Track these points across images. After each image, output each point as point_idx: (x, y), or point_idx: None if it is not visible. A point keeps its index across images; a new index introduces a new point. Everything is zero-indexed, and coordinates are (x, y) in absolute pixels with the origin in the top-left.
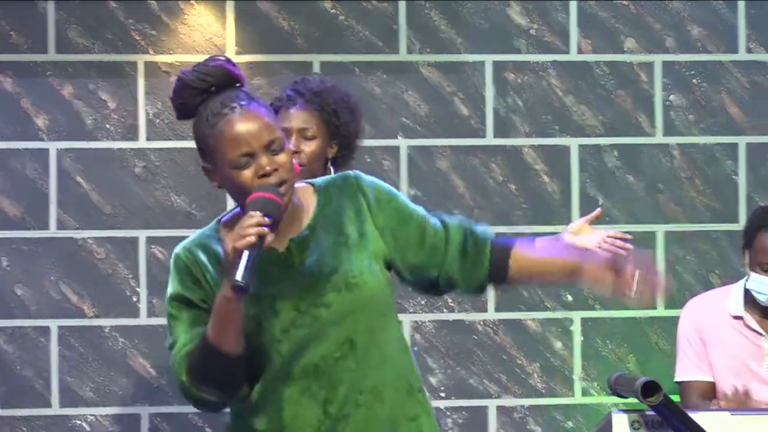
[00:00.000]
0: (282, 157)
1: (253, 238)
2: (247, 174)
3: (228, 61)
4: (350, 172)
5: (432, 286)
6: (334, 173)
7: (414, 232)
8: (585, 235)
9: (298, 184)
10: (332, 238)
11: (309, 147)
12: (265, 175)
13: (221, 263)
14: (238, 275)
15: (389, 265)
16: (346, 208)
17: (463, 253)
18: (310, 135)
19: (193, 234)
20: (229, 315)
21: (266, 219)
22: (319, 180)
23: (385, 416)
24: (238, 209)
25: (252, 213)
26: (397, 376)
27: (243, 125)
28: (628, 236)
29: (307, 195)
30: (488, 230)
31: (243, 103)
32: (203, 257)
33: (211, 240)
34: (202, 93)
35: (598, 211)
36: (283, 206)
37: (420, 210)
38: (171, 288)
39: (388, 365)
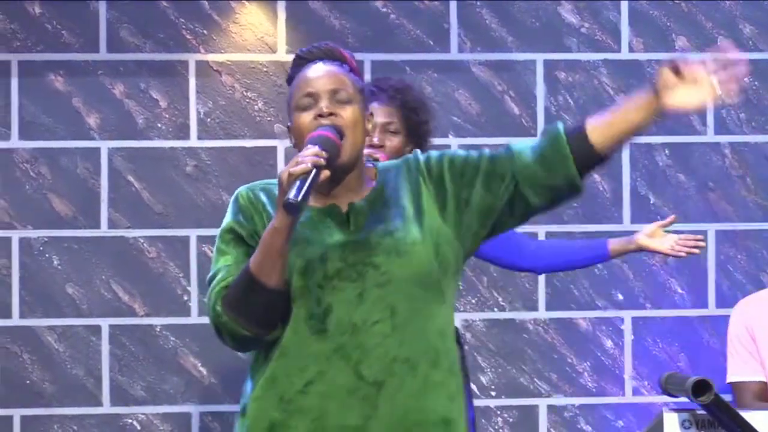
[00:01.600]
0: (346, 109)
1: (308, 165)
2: (307, 116)
3: (345, 50)
4: (410, 155)
5: (520, 206)
6: None
7: (471, 178)
8: (658, 239)
9: (366, 165)
10: (390, 210)
11: (392, 142)
12: (321, 115)
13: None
14: (291, 194)
15: (467, 239)
16: (404, 187)
17: (537, 153)
18: (393, 129)
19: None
20: (275, 246)
21: (323, 153)
22: (382, 164)
23: (416, 389)
24: None
25: (309, 146)
26: (434, 352)
27: (316, 70)
28: (700, 237)
29: (371, 173)
30: (557, 124)
31: (327, 60)
32: (264, 197)
33: (275, 188)
34: (308, 62)
35: (672, 217)
36: (340, 148)
37: (467, 154)
38: (224, 221)
39: (424, 340)
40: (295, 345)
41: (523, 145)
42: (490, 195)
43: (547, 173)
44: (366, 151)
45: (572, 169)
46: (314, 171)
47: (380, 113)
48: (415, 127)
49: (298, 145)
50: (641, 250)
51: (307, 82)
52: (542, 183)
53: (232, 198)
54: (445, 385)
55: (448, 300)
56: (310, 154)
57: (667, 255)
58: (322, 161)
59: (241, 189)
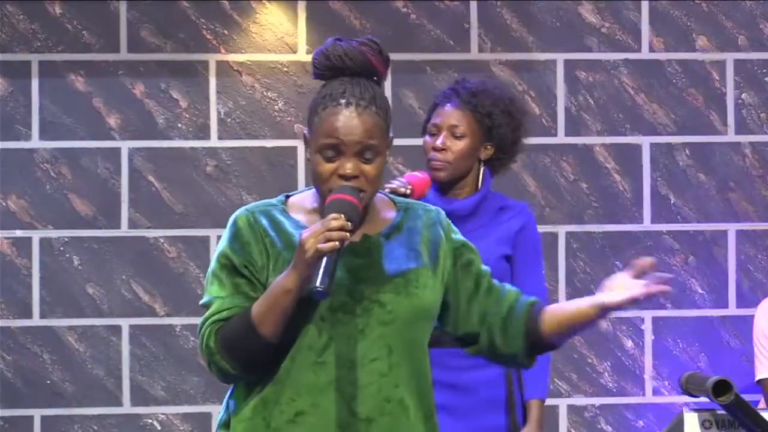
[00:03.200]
0: (370, 168)
1: (336, 244)
2: (328, 167)
3: (374, 48)
4: (432, 207)
5: (471, 341)
6: (487, 176)
7: (471, 281)
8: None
9: (379, 194)
10: (404, 250)
11: (457, 145)
12: (344, 177)
13: (295, 252)
14: (318, 281)
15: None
16: (422, 233)
17: (509, 313)
18: (459, 133)
19: (258, 201)
20: (282, 305)
21: (349, 224)
22: (401, 199)
23: (407, 430)
24: (310, 190)
25: (336, 216)
26: (420, 395)
27: (346, 120)
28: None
29: (386, 206)
30: (536, 301)
31: (361, 103)
32: (265, 221)
33: (275, 210)
34: (334, 69)
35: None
36: (360, 210)
37: (485, 267)
38: (220, 246)
39: (416, 383)
40: (291, 373)
41: (511, 295)
42: (467, 309)
43: (501, 336)
44: (427, 158)
45: (518, 348)
46: (340, 246)
47: (448, 116)
48: (490, 132)
49: (313, 181)
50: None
51: (334, 131)
52: (494, 340)
53: (230, 221)
54: (428, 429)
55: (427, 343)
56: (337, 227)
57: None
58: (347, 234)
59: (240, 212)
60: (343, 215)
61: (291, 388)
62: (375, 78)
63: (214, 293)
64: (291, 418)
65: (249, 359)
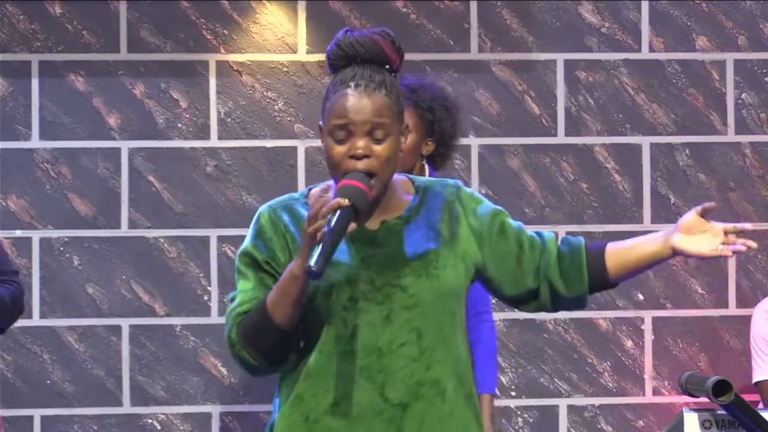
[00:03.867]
0: (381, 148)
1: (324, 228)
2: (340, 149)
3: (387, 38)
4: (451, 181)
5: (531, 297)
6: (430, 171)
7: (512, 243)
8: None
9: (398, 176)
10: (423, 231)
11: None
12: (355, 156)
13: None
14: (312, 260)
15: (479, 273)
16: (442, 211)
17: (560, 259)
18: None
19: (282, 196)
20: (291, 292)
21: (347, 201)
22: (420, 179)
23: (445, 413)
24: (330, 182)
25: (339, 200)
26: (459, 376)
27: (355, 100)
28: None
29: (406, 187)
30: (580, 238)
31: (370, 84)
32: (286, 217)
33: (297, 204)
34: (347, 57)
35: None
36: (371, 198)
37: (516, 223)
38: (245, 243)
39: (452, 363)
40: (321, 365)
41: (552, 242)
42: (519, 272)
43: (563, 284)
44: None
45: (585, 289)
46: (340, 230)
47: None
48: (432, 126)
49: (329, 167)
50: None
51: (344, 111)
52: (556, 288)
53: (255, 218)
54: (468, 411)
55: (464, 325)
56: (335, 207)
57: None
58: (352, 224)
59: (263, 209)
60: (347, 199)
61: (323, 380)
62: (387, 66)
63: (240, 287)
64: (326, 409)
65: (266, 348)
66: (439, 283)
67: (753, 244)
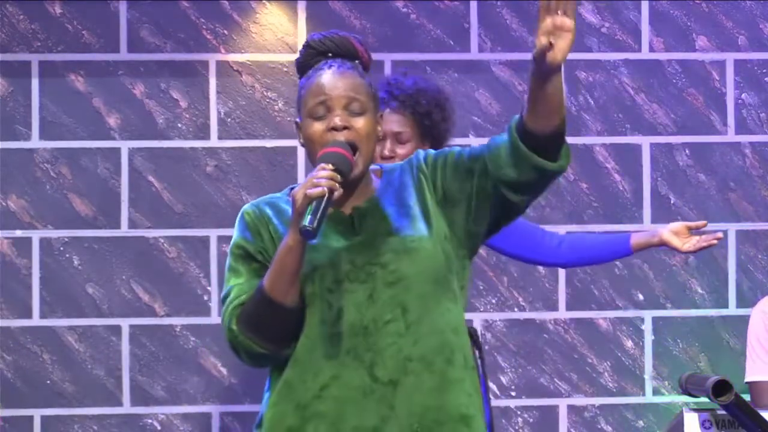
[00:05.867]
0: (359, 121)
1: (324, 189)
2: (319, 126)
3: (357, 38)
4: (413, 155)
5: (499, 197)
6: None
7: (459, 167)
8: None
9: (372, 168)
10: (395, 208)
11: (403, 150)
12: (335, 128)
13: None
14: (306, 220)
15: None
16: (408, 185)
17: (494, 149)
18: (404, 139)
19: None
20: (289, 265)
21: (338, 175)
22: (387, 165)
23: (434, 387)
24: None
25: (324, 165)
26: (449, 349)
27: (330, 78)
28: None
29: (375, 175)
30: (513, 118)
31: (343, 65)
32: (269, 211)
33: (280, 201)
34: (318, 55)
35: (703, 222)
36: (353, 165)
37: (458, 151)
38: (233, 238)
39: (439, 337)
40: (307, 350)
41: (498, 143)
42: (467, 184)
43: (513, 164)
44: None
45: (532, 158)
46: (329, 194)
47: (391, 121)
48: (429, 131)
49: (309, 151)
50: (663, 244)
51: (320, 89)
52: (510, 170)
53: (238, 216)
54: (463, 381)
55: (457, 296)
56: (325, 176)
57: (684, 252)
58: (337, 185)
59: (246, 206)
60: (331, 164)
61: (311, 364)
62: (357, 61)
63: (232, 282)
64: (316, 393)
65: (271, 332)
66: (418, 257)
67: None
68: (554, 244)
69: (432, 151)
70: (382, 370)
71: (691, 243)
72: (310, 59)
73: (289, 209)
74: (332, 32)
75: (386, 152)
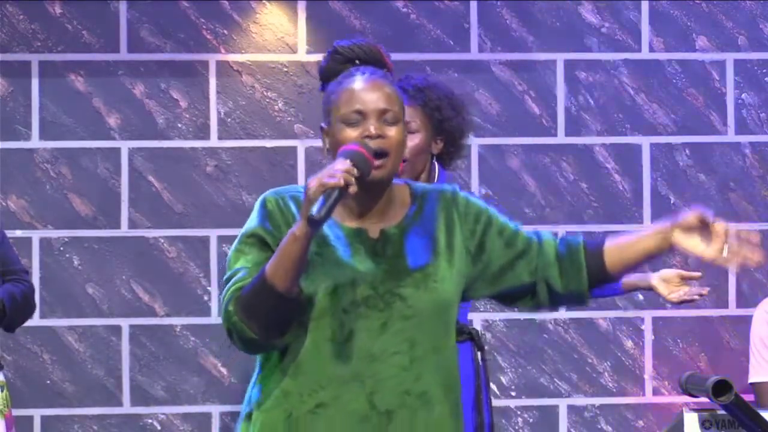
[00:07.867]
0: (392, 130)
1: (340, 180)
2: (352, 133)
3: (383, 49)
4: (448, 186)
5: (527, 293)
6: (439, 170)
7: (504, 236)
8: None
9: (397, 182)
10: (423, 240)
11: (412, 141)
12: (369, 137)
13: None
14: (315, 209)
15: (470, 285)
16: (439, 218)
17: (558, 258)
18: (413, 129)
19: (287, 186)
20: (292, 253)
21: (355, 170)
22: (417, 185)
23: (430, 423)
24: None
25: (343, 160)
26: (447, 386)
27: (365, 85)
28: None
29: (404, 193)
30: (580, 237)
31: (376, 73)
32: (293, 206)
33: (302, 196)
34: (346, 62)
35: (697, 274)
36: (372, 166)
37: (513, 224)
38: (248, 225)
39: (441, 376)
40: (313, 364)
41: (550, 241)
42: (512, 273)
43: (561, 283)
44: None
45: (584, 285)
46: (344, 187)
47: None
48: (441, 125)
49: (335, 157)
50: (651, 289)
51: (356, 97)
52: (553, 287)
53: (259, 202)
54: (453, 421)
55: (454, 334)
56: (343, 169)
57: (668, 302)
58: (353, 179)
59: (269, 194)
60: (349, 160)
61: (313, 379)
62: (386, 70)
63: (240, 263)
64: (311, 409)
65: (265, 318)
66: (437, 296)
67: (760, 257)
68: None
69: (468, 194)
70: (381, 399)
71: (677, 295)
72: (336, 65)
73: None
74: (359, 40)
75: None
